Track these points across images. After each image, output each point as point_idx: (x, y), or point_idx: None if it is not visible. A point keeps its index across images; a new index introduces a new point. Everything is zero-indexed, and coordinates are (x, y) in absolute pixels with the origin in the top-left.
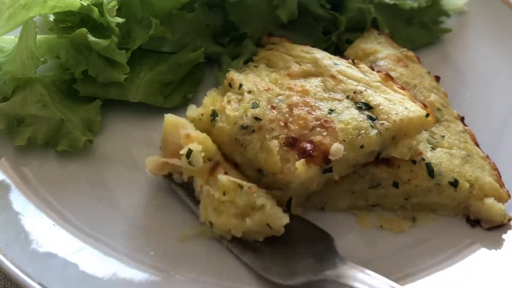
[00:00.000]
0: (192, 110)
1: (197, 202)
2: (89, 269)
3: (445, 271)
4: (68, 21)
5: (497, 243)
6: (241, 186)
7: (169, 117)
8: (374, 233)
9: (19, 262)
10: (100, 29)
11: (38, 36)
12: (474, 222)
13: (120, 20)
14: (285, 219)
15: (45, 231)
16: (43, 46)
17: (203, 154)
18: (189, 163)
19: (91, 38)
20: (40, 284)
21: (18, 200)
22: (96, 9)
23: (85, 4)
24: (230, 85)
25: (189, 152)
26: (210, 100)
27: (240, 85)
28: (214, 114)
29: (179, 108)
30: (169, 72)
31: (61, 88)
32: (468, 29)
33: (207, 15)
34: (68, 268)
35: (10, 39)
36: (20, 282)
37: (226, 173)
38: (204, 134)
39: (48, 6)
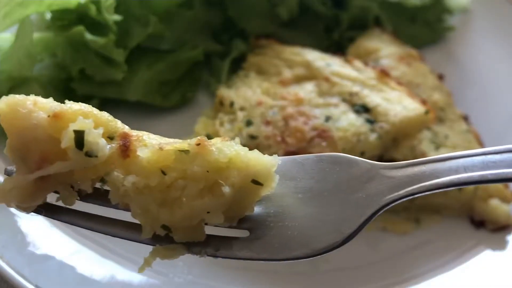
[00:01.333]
0: None
1: (118, 223)
2: (87, 272)
3: (449, 273)
4: (65, 19)
5: (501, 245)
6: (184, 150)
7: (8, 101)
8: (377, 235)
9: (16, 264)
10: (97, 27)
11: (34, 35)
12: (479, 223)
13: (117, 17)
14: (274, 160)
15: (42, 233)
16: (39, 45)
17: (101, 129)
18: (87, 154)
19: (88, 36)
20: (36, 286)
21: None
22: (93, 7)
23: (82, 1)
24: (221, 103)
25: (79, 136)
26: (202, 126)
27: (232, 103)
28: (208, 138)
29: (178, 108)
30: (168, 71)
31: (58, 87)
32: (473, 28)
33: (207, 12)
34: (65, 270)
35: (6, 38)
36: (16, 284)
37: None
38: (84, 105)
39: (45, 4)
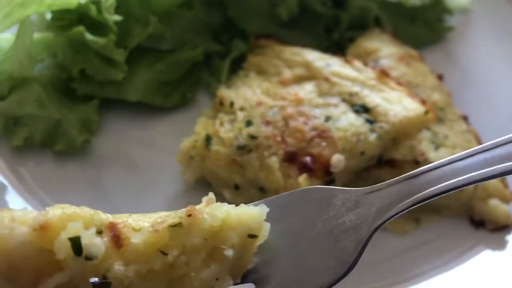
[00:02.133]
0: (185, 142)
1: None
2: None
3: (448, 273)
4: (65, 19)
5: (501, 245)
6: (176, 225)
7: None
8: (377, 235)
9: None
10: (97, 27)
11: (35, 35)
12: (478, 223)
13: (117, 17)
14: (263, 210)
15: None
16: (40, 45)
17: (93, 229)
18: (87, 258)
19: (89, 36)
20: None
21: (15, 201)
22: (93, 7)
23: (82, 2)
24: (221, 103)
25: (75, 242)
26: (202, 126)
27: (232, 103)
28: (208, 139)
29: (178, 108)
30: (168, 71)
31: (58, 87)
32: (472, 28)
33: (207, 13)
34: None
35: (7, 38)
36: None
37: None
38: (64, 206)
39: (45, 4)
